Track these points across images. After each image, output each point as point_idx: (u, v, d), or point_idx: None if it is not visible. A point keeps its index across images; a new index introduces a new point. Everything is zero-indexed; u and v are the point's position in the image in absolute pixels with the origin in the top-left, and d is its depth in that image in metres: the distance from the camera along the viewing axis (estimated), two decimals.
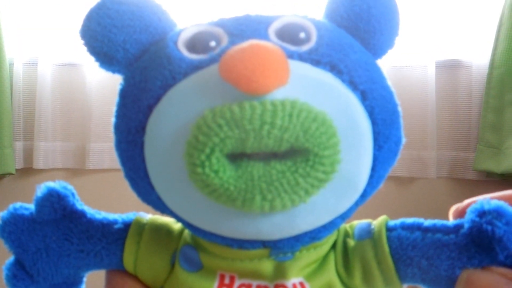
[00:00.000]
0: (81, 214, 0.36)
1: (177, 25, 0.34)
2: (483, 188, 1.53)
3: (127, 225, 0.36)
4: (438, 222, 0.33)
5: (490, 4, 1.52)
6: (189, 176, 0.27)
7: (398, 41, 0.34)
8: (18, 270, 0.36)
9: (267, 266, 0.33)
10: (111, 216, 0.37)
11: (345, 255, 0.34)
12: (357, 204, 0.32)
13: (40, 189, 0.35)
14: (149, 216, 0.37)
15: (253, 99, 0.26)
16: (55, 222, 0.36)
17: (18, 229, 0.35)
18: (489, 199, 0.31)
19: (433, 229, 0.32)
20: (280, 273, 0.33)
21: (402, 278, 0.33)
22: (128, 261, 0.35)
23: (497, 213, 0.30)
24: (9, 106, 1.48)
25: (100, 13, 0.32)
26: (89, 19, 0.32)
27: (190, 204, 0.29)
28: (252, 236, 0.30)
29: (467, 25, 1.54)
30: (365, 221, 0.35)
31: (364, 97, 0.30)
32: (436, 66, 1.53)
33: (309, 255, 0.33)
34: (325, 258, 0.34)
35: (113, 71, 0.34)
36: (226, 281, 0.33)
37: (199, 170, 0.26)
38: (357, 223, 0.35)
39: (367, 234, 0.34)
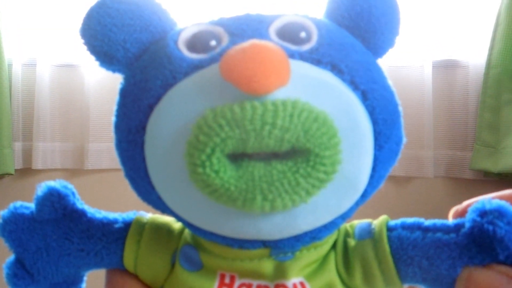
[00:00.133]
0: (82, 213, 0.36)
1: (177, 24, 0.33)
2: (480, 188, 1.53)
3: (127, 225, 0.36)
4: (438, 221, 0.33)
5: (486, 4, 1.52)
6: (189, 176, 0.27)
7: (397, 40, 0.34)
8: (19, 269, 0.36)
9: (267, 266, 0.33)
10: (112, 215, 0.37)
11: (346, 255, 0.34)
12: (357, 204, 0.32)
13: (41, 188, 0.35)
14: (149, 215, 0.37)
15: (254, 99, 0.26)
16: (56, 221, 0.36)
17: (18, 228, 0.35)
18: (490, 199, 0.31)
19: (434, 229, 0.32)
20: (280, 273, 0.33)
21: (403, 278, 0.33)
22: (129, 260, 0.35)
23: (499, 213, 0.30)
24: (8, 106, 1.48)
25: (100, 12, 0.32)
26: (89, 18, 0.32)
27: (191, 204, 0.29)
28: (252, 236, 0.30)
29: (463, 25, 1.54)
30: (365, 220, 0.35)
31: (365, 97, 0.30)
32: (433, 66, 1.53)
33: (310, 255, 0.33)
34: (325, 258, 0.34)
35: (113, 71, 0.34)
36: (227, 280, 0.33)
37: (200, 170, 0.26)
38: (357, 223, 0.35)
39: (368, 234, 0.34)
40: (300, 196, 0.27)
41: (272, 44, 0.26)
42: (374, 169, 0.31)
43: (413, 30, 1.47)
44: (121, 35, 0.32)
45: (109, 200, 1.37)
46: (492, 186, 1.52)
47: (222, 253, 0.33)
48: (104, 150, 1.55)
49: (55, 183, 0.36)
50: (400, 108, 0.32)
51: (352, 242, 0.34)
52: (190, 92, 0.28)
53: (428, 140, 1.53)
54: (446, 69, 1.57)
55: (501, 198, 0.31)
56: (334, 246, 0.34)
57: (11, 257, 0.36)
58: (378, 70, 0.32)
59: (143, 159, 0.30)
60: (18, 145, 1.54)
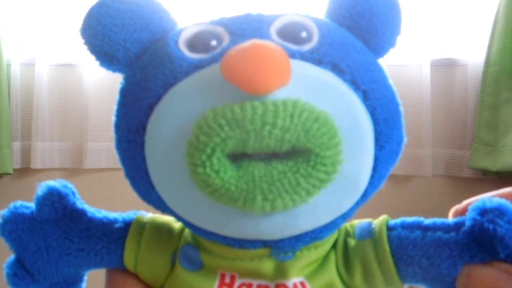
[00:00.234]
0: (82, 213, 0.36)
1: (177, 24, 0.33)
2: (478, 186, 1.53)
3: (127, 224, 0.36)
4: (438, 220, 0.33)
5: (485, 2, 1.52)
6: (190, 176, 0.27)
7: (398, 40, 0.34)
8: (19, 268, 0.36)
9: (267, 265, 0.33)
10: (112, 215, 0.37)
11: (346, 254, 0.34)
12: (358, 204, 0.32)
13: (41, 188, 0.35)
14: (149, 215, 0.37)
15: (255, 99, 0.26)
16: (56, 221, 0.36)
17: (18, 228, 0.35)
18: (490, 197, 0.31)
19: (434, 228, 0.32)
20: (280, 272, 0.33)
21: (403, 278, 0.33)
22: (129, 260, 0.35)
23: (499, 212, 0.30)
24: (6, 106, 1.48)
25: (100, 12, 0.32)
26: (90, 18, 0.32)
27: (191, 204, 0.29)
28: (253, 236, 0.30)
29: (462, 24, 1.53)
30: (365, 220, 0.35)
31: (365, 97, 0.30)
32: (431, 65, 1.53)
33: (310, 255, 0.33)
34: (326, 257, 0.34)
35: (114, 70, 0.34)
36: (227, 280, 0.33)
37: (200, 170, 0.26)
38: (357, 223, 0.35)
39: (368, 233, 0.34)
40: (301, 196, 0.27)
41: (272, 44, 0.26)
42: (374, 169, 0.31)
43: (411, 29, 1.47)
44: (122, 34, 0.32)
45: (108, 200, 1.36)
46: (490, 185, 1.53)
47: (222, 253, 0.33)
48: (103, 149, 1.55)
49: (55, 183, 0.36)
50: (401, 108, 0.32)
51: (352, 242, 0.34)
52: (191, 92, 0.28)
53: (427, 139, 1.53)
54: (445, 67, 1.57)
55: (501, 196, 0.31)
56: (334, 245, 0.34)
57: (11, 256, 0.36)
58: (379, 70, 0.32)
59: (143, 159, 0.30)
60: (16, 145, 1.54)
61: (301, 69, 0.28)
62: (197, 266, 0.34)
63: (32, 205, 0.36)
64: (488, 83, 1.47)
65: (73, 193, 0.37)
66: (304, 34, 0.31)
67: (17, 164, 1.53)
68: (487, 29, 1.48)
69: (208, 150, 0.26)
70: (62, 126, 1.56)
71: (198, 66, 0.30)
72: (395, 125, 0.31)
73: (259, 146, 0.26)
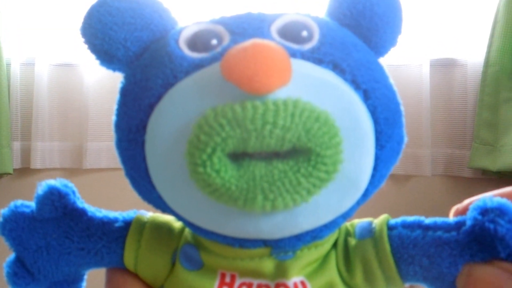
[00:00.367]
0: (82, 212, 0.36)
1: (178, 23, 0.33)
2: (478, 186, 1.54)
3: (127, 223, 0.36)
4: (439, 219, 0.33)
5: (484, 2, 1.52)
6: (190, 175, 0.27)
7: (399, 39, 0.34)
8: (19, 268, 0.36)
9: (268, 265, 0.33)
10: (112, 214, 0.37)
11: (346, 254, 0.34)
12: (358, 203, 0.32)
13: (41, 187, 0.35)
14: (149, 214, 0.37)
15: (255, 99, 0.26)
16: (56, 220, 0.36)
17: (18, 227, 0.35)
18: (491, 197, 0.31)
19: (434, 227, 0.32)
20: (281, 272, 0.32)
21: (404, 277, 0.33)
22: (129, 259, 0.35)
23: (500, 211, 0.30)
24: (6, 106, 1.48)
25: (101, 11, 0.32)
26: (90, 17, 0.32)
27: (191, 203, 0.29)
28: (253, 235, 0.30)
29: (462, 24, 1.54)
30: (366, 219, 0.35)
31: (366, 96, 0.30)
32: (430, 65, 1.53)
33: (310, 254, 0.33)
34: (326, 257, 0.34)
35: (114, 69, 0.34)
36: (227, 280, 0.33)
37: (201, 169, 0.26)
38: (358, 222, 0.35)
39: (369, 233, 0.34)
40: (301, 195, 0.27)
41: (273, 43, 0.26)
42: (375, 168, 0.31)
43: (411, 29, 1.47)
44: (122, 33, 0.32)
45: (108, 200, 1.36)
46: (490, 185, 1.53)
47: (222, 252, 0.33)
48: (103, 149, 1.55)
49: (56, 182, 0.36)
50: (402, 108, 0.32)
51: (352, 241, 0.34)
52: (191, 91, 0.28)
53: (426, 139, 1.53)
54: (444, 67, 1.57)
55: (502, 196, 0.31)
56: (335, 245, 0.34)
57: (11, 256, 0.36)
58: (380, 69, 0.32)
59: (143, 158, 0.30)
60: (16, 145, 1.54)
61: (302, 68, 0.28)
62: (197, 265, 0.34)
63: (32, 204, 0.36)
64: (487, 83, 1.47)
65: (73, 192, 0.36)
66: (305, 33, 0.31)
67: (17, 164, 1.53)
68: (487, 29, 1.48)
69: (209, 150, 0.26)
70: (62, 126, 1.56)
71: (198, 65, 0.30)
72: (396, 125, 0.31)
73: (260, 146, 0.26)
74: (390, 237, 0.33)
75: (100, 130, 1.54)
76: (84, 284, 0.39)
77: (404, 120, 0.33)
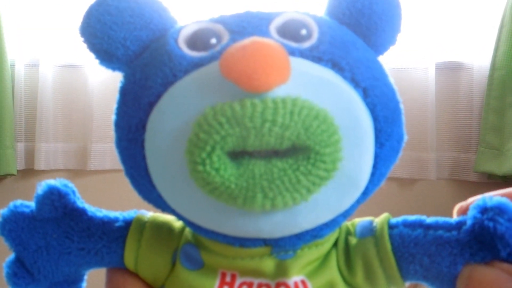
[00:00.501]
0: (82, 212, 0.36)
1: (177, 22, 0.33)
2: (484, 190, 1.51)
3: (128, 223, 0.36)
4: (440, 219, 0.33)
5: (491, 5, 1.52)
6: (190, 174, 0.27)
7: (399, 38, 0.34)
8: (19, 268, 0.35)
9: (268, 264, 0.33)
10: (112, 214, 0.37)
11: (347, 253, 0.34)
12: (358, 202, 0.32)
13: (41, 187, 0.35)
14: (150, 214, 0.37)
15: (254, 97, 0.26)
16: (56, 220, 0.36)
17: (18, 227, 0.35)
18: (491, 196, 0.31)
19: (435, 226, 0.32)
20: (281, 271, 0.32)
21: (404, 276, 0.33)
22: (129, 259, 0.35)
23: (499, 210, 0.30)
24: (10, 107, 1.48)
25: (100, 10, 0.32)
26: (89, 16, 0.32)
27: (191, 202, 0.29)
28: (253, 234, 0.30)
29: (468, 27, 1.54)
30: (367, 218, 0.35)
31: (366, 94, 0.30)
32: (436, 68, 1.53)
33: (311, 253, 0.33)
34: (326, 256, 0.34)
35: (113, 69, 0.34)
36: (228, 279, 0.33)
37: (200, 168, 0.26)
38: (358, 221, 0.35)
39: (369, 231, 0.34)
40: (301, 194, 0.27)
41: (272, 42, 0.26)
42: (375, 166, 0.31)
43: (417, 32, 1.47)
44: (121, 33, 0.32)
45: (112, 201, 1.37)
46: (496, 189, 1.50)
47: (223, 252, 0.33)
48: (107, 150, 1.55)
49: (56, 182, 0.36)
50: (401, 106, 0.32)
51: (353, 240, 0.34)
52: (190, 90, 0.28)
53: (431, 142, 1.53)
54: (451, 71, 1.57)
55: (504, 196, 0.31)
56: (335, 244, 0.34)
57: (11, 256, 0.36)
58: (379, 67, 0.32)
59: (143, 157, 0.30)
60: (20, 146, 1.55)
61: (301, 66, 0.28)
62: (197, 265, 0.34)
63: (32, 204, 0.36)
64: (494, 87, 1.47)
65: (73, 192, 0.36)
66: (304, 31, 0.31)
67: (21, 165, 1.54)
68: (493, 33, 1.48)
69: (208, 148, 0.26)
70: (66, 127, 1.57)
71: (198, 64, 0.30)
72: (395, 123, 0.31)
73: (259, 144, 0.26)
74: (391, 236, 0.33)
75: (105, 132, 1.54)
76: (84, 284, 0.39)
77: (407, 121, 0.33)
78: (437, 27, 1.51)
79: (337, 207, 0.30)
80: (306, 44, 0.30)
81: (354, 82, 0.30)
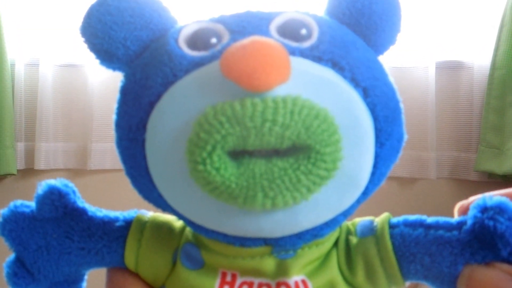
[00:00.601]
0: (82, 212, 0.36)
1: (177, 22, 0.33)
2: (484, 189, 1.51)
3: (128, 223, 0.36)
4: (441, 219, 0.33)
5: (491, 5, 1.52)
6: (190, 173, 0.27)
7: (399, 39, 0.34)
8: (19, 268, 0.35)
9: (269, 263, 0.33)
10: (112, 213, 0.37)
11: (348, 252, 0.34)
12: (359, 201, 0.32)
13: (41, 187, 0.35)
14: (150, 213, 0.37)
15: (255, 96, 0.26)
16: (56, 220, 0.36)
17: (18, 227, 0.35)
18: (491, 195, 0.31)
19: (436, 226, 0.32)
20: (282, 270, 0.32)
21: (405, 275, 0.33)
22: (130, 259, 0.35)
23: (499, 209, 0.30)
24: (10, 107, 1.48)
25: (100, 10, 0.32)
26: (90, 16, 0.32)
27: (192, 201, 0.29)
28: (253, 233, 0.30)
29: (468, 26, 1.54)
30: (367, 218, 0.35)
31: (366, 94, 0.30)
32: (437, 67, 1.53)
33: (311, 253, 0.33)
34: (327, 255, 0.34)
35: (114, 68, 0.34)
36: (228, 278, 0.33)
37: (201, 167, 0.26)
38: (359, 220, 0.35)
39: (370, 231, 0.34)
40: (301, 193, 0.27)
41: (272, 41, 0.26)
42: (375, 166, 0.31)
43: (418, 31, 1.47)
44: (122, 33, 0.32)
45: (113, 201, 1.37)
46: (496, 188, 1.50)
47: (223, 251, 0.33)
48: (107, 150, 1.55)
49: (56, 182, 0.36)
50: (401, 105, 0.32)
51: (354, 239, 0.34)
52: (191, 90, 0.28)
53: (431, 142, 1.53)
54: (451, 70, 1.57)
55: (505, 195, 0.31)
56: (336, 243, 0.34)
57: (11, 256, 0.36)
58: (379, 67, 0.32)
59: (143, 157, 0.30)
60: (20, 145, 1.54)
61: (301, 66, 0.28)
62: (198, 264, 0.34)
63: (32, 204, 0.36)
64: (494, 86, 1.47)
65: (73, 192, 0.36)
66: (304, 31, 0.31)
67: (21, 165, 1.54)
68: (494, 32, 1.48)
69: (209, 147, 0.26)
70: (66, 126, 1.57)
71: (198, 63, 0.30)
72: (396, 122, 0.31)
73: (260, 143, 0.26)
74: (392, 235, 0.33)
75: (105, 131, 1.54)
76: (84, 284, 0.39)
77: (407, 120, 0.33)
78: (437, 26, 1.51)
79: (338, 207, 0.30)
80: (306, 44, 0.30)
81: (354, 81, 0.30)
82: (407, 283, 0.33)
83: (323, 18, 0.32)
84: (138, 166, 0.31)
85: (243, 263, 0.33)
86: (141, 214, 0.37)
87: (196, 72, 0.29)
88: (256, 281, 0.33)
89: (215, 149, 0.26)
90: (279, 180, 0.26)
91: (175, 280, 0.34)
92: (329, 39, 0.31)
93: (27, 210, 0.36)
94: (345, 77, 0.29)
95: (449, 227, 0.32)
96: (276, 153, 0.27)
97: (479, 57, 1.54)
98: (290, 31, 0.31)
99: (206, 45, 0.30)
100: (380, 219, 0.34)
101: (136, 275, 0.36)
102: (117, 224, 0.36)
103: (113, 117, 0.33)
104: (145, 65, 0.31)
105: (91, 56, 0.33)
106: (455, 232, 0.31)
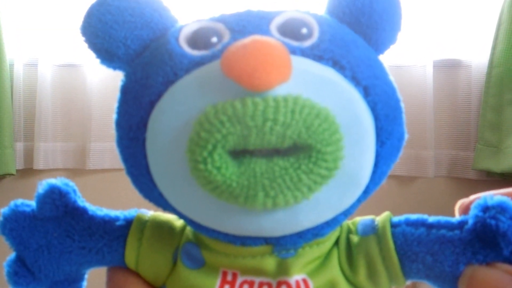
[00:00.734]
0: (83, 211, 0.36)
1: (178, 21, 0.33)
2: (482, 188, 1.52)
3: (128, 222, 0.36)
4: (442, 218, 0.33)
5: (489, 3, 1.52)
6: (191, 172, 0.27)
7: (399, 37, 0.34)
8: (20, 267, 0.35)
9: (269, 262, 0.33)
10: (113, 213, 0.37)
11: (349, 251, 0.34)
12: (359, 200, 0.32)
13: (42, 186, 0.35)
14: (150, 213, 0.37)
15: (256, 95, 0.26)
16: (57, 219, 0.36)
17: (19, 226, 0.35)
18: (492, 195, 0.31)
19: (438, 225, 0.32)
20: (283, 269, 0.32)
21: (407, 274, 0.33)
22: (130, 258, 0.35)
23: (501, 208, 0.30)
24: (9, 106, 1.48)
25: (101, 10, 0.32)
26: (90, 16, 0.32)
27: (192, 201, 0.29)
28: (254, 233, 0.30)
29: (466, 25, 1.54)
30: (368, 217, 0.35)
31: (366, 92, 0.30)
32: (435, 66, 1.53)
33: (312, 252, 0.33)
34: (328, 254, 0.34)
35: (114, 68, 0.34)
36: (229, 278, 0.33)
37: (201, 166, 0.26)
38: (360, 219, 0.35)
39: (371, 230, 0.34)
40: (302, 192, 0.27)
41: (273, 40, 0.26)
42: (376, 165, 0.31)
43: (415, 30, 1.47)
44: (122, 32, 0.32)
45: (112, 200, 1.37)
46: (494, 186, 1.50)
47: (224, 250, 0.33)
48: (106, 149, 1.55)
49: (56, 181, 0.36)
50: (402, 104, 0.32)
51: (355, 238, 0.34)
52: (192, 89, 0.28)
53: (429, 140, 1.53)
54: (448, 68, 1.57)
55: (505, 195, 0.31)
56: (336, 243, 0.34)
57: (11, 255, 0.36)
58: (380, 65, 0.32)
59: (144, 156, 0.30)
60: (19, 145, 1.54)
61: (302, 65, 0.28)
62: (198, 263, 0.34)
63: (32, 203, 0.36)
64: (492, 84, 1.47)
65: (74, 191, 0.36)
66: (304, 30, 0.31)
67: (20, 165, 1.53)
68: (491, 30, 1.48)
69: (209, 147, 0.26)
70: (65, 126, 1.56)
71: (198, 63, 0.30)
72: (396, 121, 0.31)
73: (261, 142, 0.26)
74: (393, 235, 0.33)
75: (104, 131, 1.54)
76: (85, 283, 0.39)
77: (404, 117, 0.33)
78: (435, 25, 1.51)
79: (338, 206, 0.30)
80: (307, 43, 0.30)
81: (355, 80, 0.30)
82: (408, 282, 0.33)
83: (323, 17, 0.32)
84: (139, 165, 0.31)
85: (243, 262, 0.33)
86: (141, 213, 0.37)
87: (196, 71, 0.29)
88: (257, 280, 0.33)
89: (216, 148, 0.26)
90: (280, 179, 0.26)
91: (175, 279, 0.34)
92: (330, 38, 0.30)
93: (27, 209, 0.36)
94: (345, 76, 0.29)
95: (450, 226, 0.32)
96: (277, 152, 0.27)
97: (477, 56, 1.54)
98: (291, 30, 0.31)
99: (207, 44, 0.30)
100: (381, 218, 0.34)
101: (136, 274, 0.36)
102: (118, 223, 0.36)
103: (113, 116, 0.33)
104: (145, 64, 0.31)
105: (91, 55, 0.33)
106: (456, 232, 0.31)
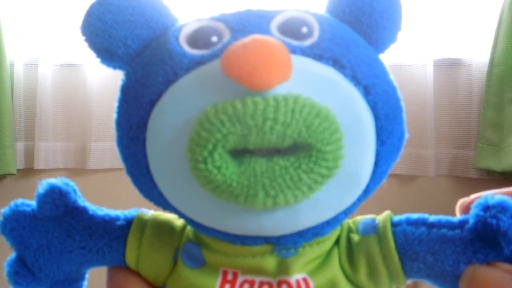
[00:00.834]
0: (83, 211, 0.36)
1: (178, 20, 0.33)
2: (483, 186, 1.53)
3: (129, 222, 0.36)
4: (443, 217, 0.33)
5: (489, 2, 1.52)
6: (191, 172, 0.27)
7: (398, 37, 0.34)
8: (20, 267, 0.35)
9: (270, 262, 0.33)
10: (113, 212, 0.37)
11: (350, 250, 0.34)
12: (360, 199, 0.32)
13: (42, 186, 0.35)
14: (151, 212, 0.37)
15: (256, 95, 0.26)
16: (57, 219, 0.36)
17: (19, 226, 0.35)
18: (493, 194, 0.31)
19: (439, 225, 0.32)
20: (283, 269, 0.32)
21: (407, 273, 0.33)
22: (130, 257, 0.35)
23: (501, 207, 0.30)
24: (10, 106, 1.48)
25: (101, 9, 0.32)
26: (90, 15, 0.32)
27: (193, 200, 0.29)
28: (254, 232, 0.30)
29: (466, 23, 1.54)
30: (368, 216, 0.35)
31: (367, 92, 0.30)
32: (434, 65, 1.53)
33: (312, 251, 0.33)
34: (328, 254, 0.34)
35: (114, 67, 0.34)
36: (229, 277, 0.33)
37: (202, 166, 0.26)
38: (360, 219, 0.35)
39: (372, 229, 0.34)
40: (303, 191, 0.27)
41: (273, 39, 0.26)
42: (376, 164, 0.31)
43: (416, 29, 1.47)
44: (122, 31, 0.32)
45: (112, 200, 1.37)
46: (495, 185, 1.51)
47: (224, 250, 0.33)
48: (106, 149, 1.55)
49: (57, 181, 0.36)
50: (402, 103, 0.32)
51: (355, 237, 0.34)
52: (192, 88, 0.28)
53: (430, 139, 1.53)
54: (449, 67, 1.57)
55: (506, 194, 0.31)
56: (337, 242, 0.34)
57: (12, 255, 0.36)
58: (380, 65, 0.32)
59: (144, 156, 0.30)
60: (20, 145, 1.54)
61: (302, 64, 0.28)
62: (199, 263, 0.34)
63: (33, 203, 0.36)
64: (492, 83, 1.47)
65: (74, 190, 0.36)
66: (304, 29, 0.31)
67: (20, 165, 1.54)
68: (492, 29, 1.48)
69: (210, 146, 0.26)
70: (65, 126, 1.57)
71: (199, 62, 0.30)
72: (396, 120, 0.31)
73: (261, 142, 0.26)
74: (394, 234, 0.33)
75: (104, 130, 1.54)
76: (85, 283, 0.39)
77: (404, 116, 0.33)
78: (436, 24, 1.51)
79: (339, 205, 0.30)
80: (307, 42, 0.30)
81: (355, 79, 0.29)
82: (408, 281, 0.33)
83: (323, 16, 0.32)
84: (139, 164, 0.31)
85: (244, 261, 0.33)
86: (141, 213, 0.37)
87: (197, 71, 0.29)
88: (257, 279, 0.33)
89: (216, 148, 0.26)
90: (280, 179, 0.26)
91: (176, 279, 0.34)
92: (330, 37, 0.30)
93: (28, 209, 0.36)
94: (346, 75, 0.29)
95: (451, 225, 0.32)
96: (277, 151, 0.27)
97: (478, 54, 1.54)
98: (291, 29, 0.31)
99: (207, 44, 0.30)
100: (381, 217, 0.34)
101: (137, 274, 0.36)
102: (118, 223, 0.36)
103: (114, 116, 0.33)
104: (145, 64, 0.31)
105: (91, 55, 0.33)
106: (457, 231, 0.31)
